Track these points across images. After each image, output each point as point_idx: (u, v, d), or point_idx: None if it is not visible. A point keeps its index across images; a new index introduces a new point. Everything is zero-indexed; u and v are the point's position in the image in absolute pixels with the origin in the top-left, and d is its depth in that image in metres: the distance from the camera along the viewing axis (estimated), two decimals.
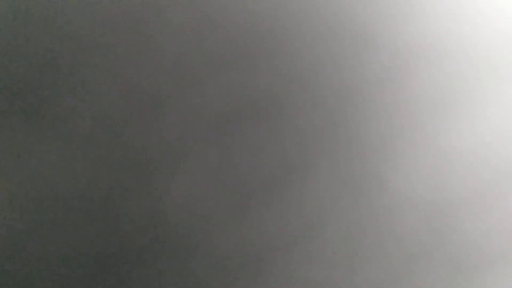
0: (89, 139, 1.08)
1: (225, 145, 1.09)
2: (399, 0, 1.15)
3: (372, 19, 1.15)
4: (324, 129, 1.10)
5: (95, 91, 1.09)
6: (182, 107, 1.10)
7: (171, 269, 1.05)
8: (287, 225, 1.07)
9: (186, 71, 1.11)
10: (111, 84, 1.09)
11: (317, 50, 1.13)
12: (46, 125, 1.07)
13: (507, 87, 1.13)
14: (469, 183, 1.09)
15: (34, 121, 1.07)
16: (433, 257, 1.06)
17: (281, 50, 1.13)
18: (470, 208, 1.08)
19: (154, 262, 1.05)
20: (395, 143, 1.10)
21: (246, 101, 1.11)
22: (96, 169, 1.07)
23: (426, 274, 1.06)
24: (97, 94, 1.09)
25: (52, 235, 1.04)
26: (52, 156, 1.07)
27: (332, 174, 1.09)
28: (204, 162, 1.08)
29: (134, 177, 1.07)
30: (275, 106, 1.11)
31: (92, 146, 1.08)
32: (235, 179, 1.08)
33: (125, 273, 1.04)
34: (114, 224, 1.05)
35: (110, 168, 1.07)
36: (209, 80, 1.11)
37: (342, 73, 1.13)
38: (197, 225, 1.06)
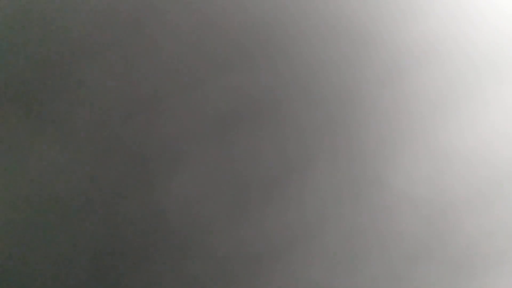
0: (89, 139, 1.08)
1: (225, 145, 1.09)
2: (399, 0, 1.15)
3: (372, 19, 1.15)
4: (324, 129, 1.10)
5: (95, 91, 1.09)
6: (182, 107, 1.10)
7: (171, 269, 1.05)
8: (287, 225, 1.07)
9: (186, 71, 1.11)
10: (110, 84, 1.09)
11: (317, 50, 1.13)
12: (46, 125, 1.08)
13: (507, 87, 1.13)
14: (469, 183, 1.09)
15: (34, 121, 1.07)
16: (433, 257, 1.06)
17: (281, 50, 1.13)
18: (470, 208, 1.08)
19: (153, 262, 1.05)
20: (395, 143, 1.10)
21: (246, 101, 1.11)
22: (96, 169, 1.07)
23: (426, 274, 1.06)
24: (96, 94, 1.09)
25: (52, 235, 1.05)
26: (52, 156, 1.07)
27: (332, 174, 1.09)
28: (204, 162, 1.08)
29: (134, 177, 1.07)
30: (275, 106, 1.11)
31: (92, 146, 1.08)
32: (235, 179, 1.08)
33: (125, 273, 1.04)
34: (114, 224, 1.05)
35: (110, 168, 1.07)
36: (208, 80, 1.11)
37: (342, 73, 1.13)
38: (197, 225, 1.06)
